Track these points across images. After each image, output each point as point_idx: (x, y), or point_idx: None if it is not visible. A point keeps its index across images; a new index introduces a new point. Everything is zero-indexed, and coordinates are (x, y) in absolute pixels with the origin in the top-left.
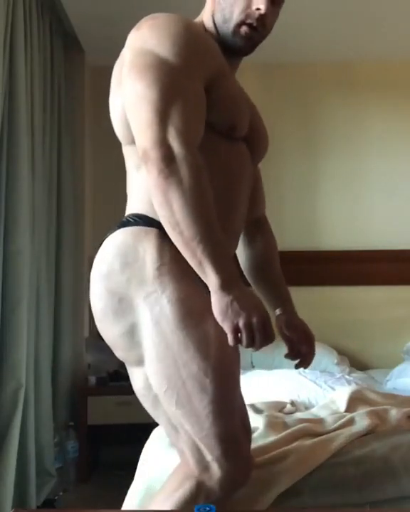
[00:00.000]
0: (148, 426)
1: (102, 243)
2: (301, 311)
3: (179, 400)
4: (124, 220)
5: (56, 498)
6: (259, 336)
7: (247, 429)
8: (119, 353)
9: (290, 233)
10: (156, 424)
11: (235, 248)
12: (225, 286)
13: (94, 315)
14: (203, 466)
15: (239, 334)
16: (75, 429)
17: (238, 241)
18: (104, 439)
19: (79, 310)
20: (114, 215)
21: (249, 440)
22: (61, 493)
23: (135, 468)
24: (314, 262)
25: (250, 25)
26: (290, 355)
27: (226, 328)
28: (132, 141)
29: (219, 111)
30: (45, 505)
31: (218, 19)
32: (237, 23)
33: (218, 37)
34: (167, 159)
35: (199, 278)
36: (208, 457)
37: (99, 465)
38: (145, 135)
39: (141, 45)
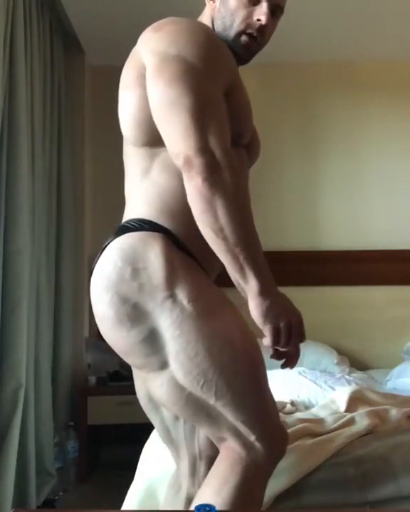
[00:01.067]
0: (148, 426)
1: (104, 248)
2: (302, 311)
3: (217, 391)
4: (125, 225)
5: (56, 498)
6: (295, 336)
7: (275, 404)
8: (136, 360)
9: (290, 233)
10: None
11: None
12: (265, 291)
13: (101, 323)
14: (249, 446)
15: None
16: (75, 429)
17: None
18: (104, 439)
19: (79, 310)
20: (114, 215)
21: (278, 413)
22: (61, 493)
23: (135, 468)
24: (314, 262)
25: (250, 35)
26: (276, 356)
27: (267, 330)
28: (145, 144)
29: (232, 118)
30: (45, 505)
31: (218, 26)
32: (237, 33)
33: None
34: (212, 167)
35: (206, 275)
36: (251, 438)
37: (99, 465)
38: (185, 143)
39: (165, 49)
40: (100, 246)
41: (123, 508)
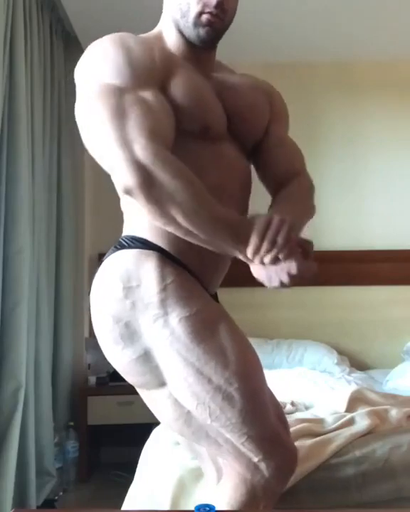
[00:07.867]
0: (148, 426)
1: (101, 263)
2: (302, 311)
3: (212, 413)
4: (121, 241)
5: (56, 498)
6: (284, 233)
7: (283, 420)
8: (134, 379)
9: None
10: (157, 424)
11: None
12: (244, 239)
13: (100, 342)
14: (253, 467)
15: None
16: (75, 429)
17: None
18: (104, 439)
19: (79, 310)
20: (114, 215)
21: (287, 429)
22: (61, 493)
23: (135, 468)
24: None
25: (210, 14)
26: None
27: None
28: None
29: (183, 111)
30: (45, 505)
31: (177, 16)
32: (196, 14)
33: (181, 36)
34: (146, 183)
35: (203, 290)
36: (255, 459)
37: (99, 465)
38: (116, 168)
39: (84, 76)
40: (100, 246)
41: (123, 508)
